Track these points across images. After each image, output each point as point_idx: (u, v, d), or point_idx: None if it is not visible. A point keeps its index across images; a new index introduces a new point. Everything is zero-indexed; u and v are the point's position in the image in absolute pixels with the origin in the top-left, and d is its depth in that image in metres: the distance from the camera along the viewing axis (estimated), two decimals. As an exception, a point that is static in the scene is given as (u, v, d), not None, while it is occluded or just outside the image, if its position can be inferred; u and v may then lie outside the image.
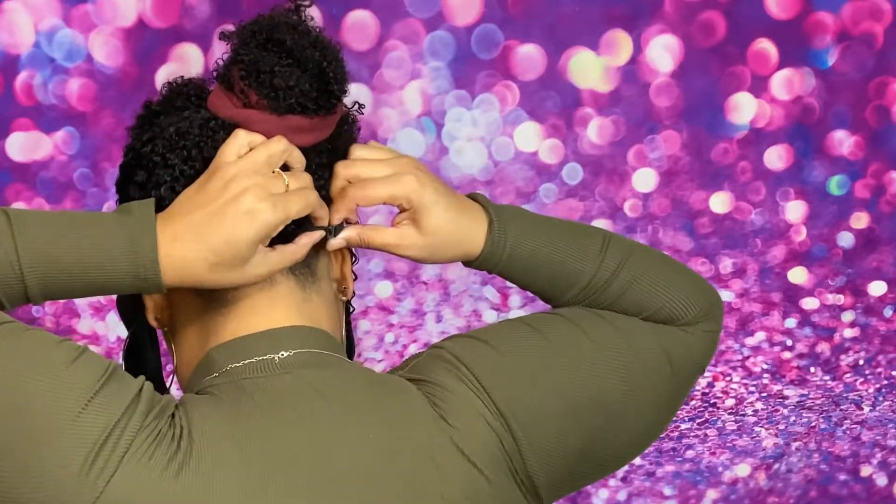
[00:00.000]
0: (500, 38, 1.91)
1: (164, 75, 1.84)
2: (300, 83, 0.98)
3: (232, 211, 0.94)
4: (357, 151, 1.03)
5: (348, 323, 1.10)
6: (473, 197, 1.05)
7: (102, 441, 0.87)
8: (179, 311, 1.03)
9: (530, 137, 2.01)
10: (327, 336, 1.02)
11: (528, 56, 1.93)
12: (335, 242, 1.01)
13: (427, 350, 1.04)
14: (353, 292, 1.08)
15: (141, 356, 1.10)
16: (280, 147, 0.97)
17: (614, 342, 1.04)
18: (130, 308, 1.08)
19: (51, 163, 1.91)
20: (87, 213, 0.97)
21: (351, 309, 1.11)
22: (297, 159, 0.99)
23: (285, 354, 0.98)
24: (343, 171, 1.01)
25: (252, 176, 0.95)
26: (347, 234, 1.02)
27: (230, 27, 1.01)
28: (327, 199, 1.01)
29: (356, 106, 1.06)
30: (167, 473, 0.88)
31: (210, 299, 1.00)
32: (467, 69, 1.94)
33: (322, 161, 1.01)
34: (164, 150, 0.99)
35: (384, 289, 2.17)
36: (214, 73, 1.01)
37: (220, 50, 1.00)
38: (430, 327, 2.26)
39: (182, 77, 1.05)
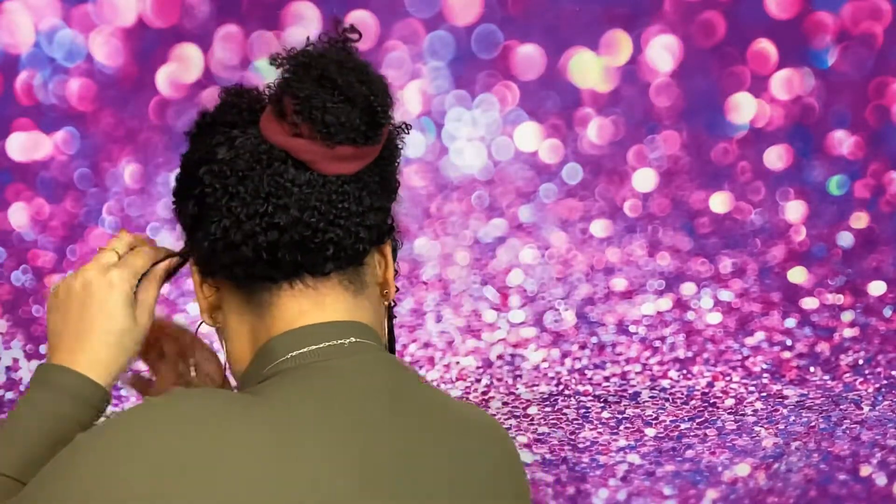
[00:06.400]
0: (500, 38, 1.91)
1: (164, 75, 1.84)
2: (350, 118, 1.03)
3: (91, 297, 1.08)
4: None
5: (391, 323, 1.17)
6: None
7: None
8: (230, 310, 1.09)
9: (530, 137, 2.01)
10: (377, 334, 1.09)
11: (528, 56, 1.93)
12: None
13: None
14: (395, 296, 1.15)
15: None
16: (125, 240, 1.13)
17: None
18: None
19: (51, 163, 1.91)
20: (12, 413, 1.07)
21: (394, 307, 1.17)
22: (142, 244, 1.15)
23: (352, 340, 1.05)
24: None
25: (88, 270, 1.10)
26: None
27: (281, 50, 1.06)
28: (357, 218, 1.06)
29: (403, 126, 1.11)
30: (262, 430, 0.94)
31: (253, 304, 1.07)
32: (467, 69, 1.93)
33: (374, 179, 1.07)
34: (212, 180, 1.05)
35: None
36: (267, 91, 1.07)
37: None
38: (430, 327, 2.26)
39: (239, 85, 1.10)
